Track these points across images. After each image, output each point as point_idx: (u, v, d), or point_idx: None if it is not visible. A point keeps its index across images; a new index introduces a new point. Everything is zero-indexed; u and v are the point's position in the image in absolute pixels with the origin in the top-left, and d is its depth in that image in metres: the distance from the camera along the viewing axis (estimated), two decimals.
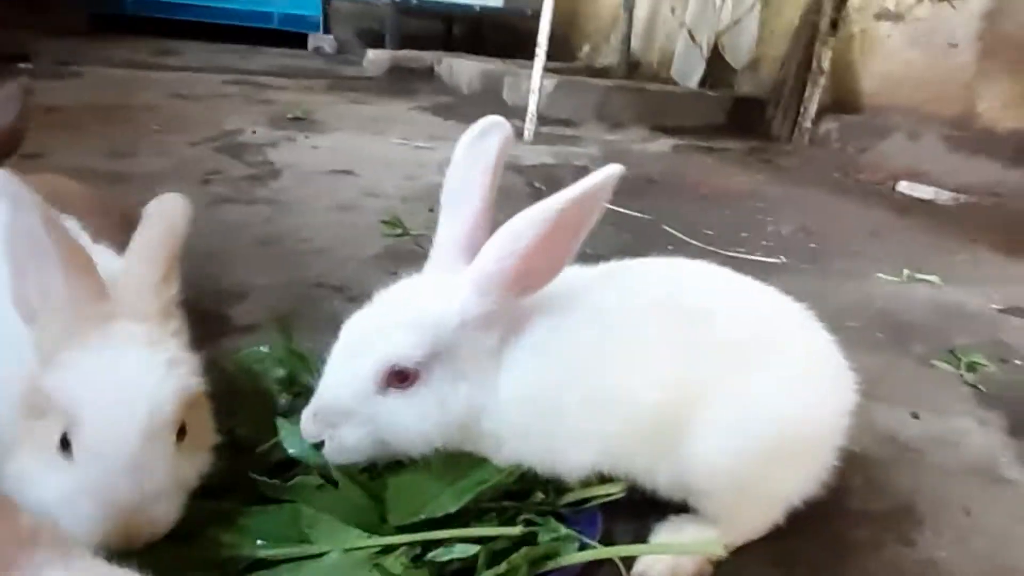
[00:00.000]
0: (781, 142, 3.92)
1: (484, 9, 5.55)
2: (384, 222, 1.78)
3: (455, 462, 0.77)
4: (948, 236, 2.44)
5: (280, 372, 0.94)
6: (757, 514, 0.81)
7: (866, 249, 2.20)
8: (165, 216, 0.73)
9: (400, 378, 0.71)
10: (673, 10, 4.87)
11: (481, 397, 0.73)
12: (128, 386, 0.61)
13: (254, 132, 2.71)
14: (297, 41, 5.96)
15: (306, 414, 0.73)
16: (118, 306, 0.66)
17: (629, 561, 0.76)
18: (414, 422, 0.72)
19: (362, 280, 1.46)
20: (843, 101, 4.04)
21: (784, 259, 1.97)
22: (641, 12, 5.02)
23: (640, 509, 0.82)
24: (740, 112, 4.24)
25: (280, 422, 0.79)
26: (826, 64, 3.72)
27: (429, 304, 0.74)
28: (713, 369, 0.74)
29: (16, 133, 1.10)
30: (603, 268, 0.85)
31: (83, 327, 0.62)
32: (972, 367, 1.35)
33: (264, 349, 0.97)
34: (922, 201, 3.05)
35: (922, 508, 0.93)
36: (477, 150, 0.79)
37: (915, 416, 1.15)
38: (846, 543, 0.86)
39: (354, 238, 1.70)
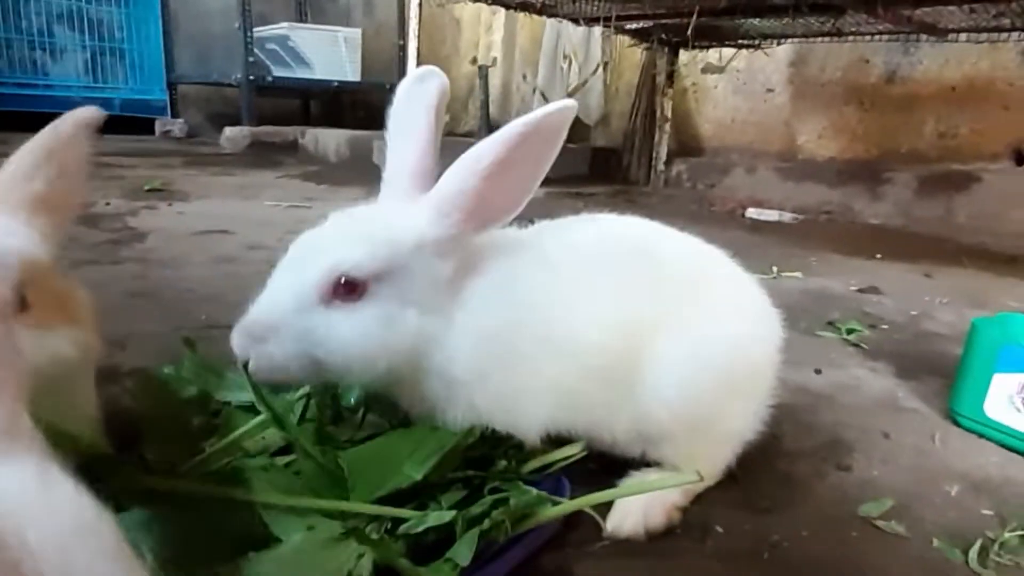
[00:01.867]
0: (640, 185, 4.23)
1: (342, 84, 5.62)
2: (272, 266, 1.68)
3: (408, 434, 0.72)
4: (798, 246, 2.71)
5: (191, 390, 0.84)
6: (715, 452, 0.82)
7: (732, 259, 2.38)
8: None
9: (348, 289, 0.67)
10: (525, 76, 5.23)
11: (432, 328, 0.70)
12: None
13: (107, 204, 2.50)
14: (143, 127, 5.68)
15: (236, 329, 0.68)
16: None
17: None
18: (356, 339, 0.67)
19: None
20: (687, 145, 4.48)
21: None
22: (495, 80, 5.32)
23: (600, 475, 0.80)
24: (599, 162, 4.55)
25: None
26: (668, 113, 4.11)
27: (387, 221, 0.71)
28: (661, 304, 0.76)
29: None
30: (550, 222, 0.86)
31: None
32: (851, 331, 1.49)
33: (168, 371, 0.86)
34: (769, 222, 3.39)
35: (848, 439, 0.99)
36: (417, 92, 0.78)
37: (818, 372, 1.24)
38: (793, 478, 0.89)
39: (242, 285, 1.55)
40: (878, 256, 2.56)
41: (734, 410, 0.82)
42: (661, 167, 4.18)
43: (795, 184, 3.91)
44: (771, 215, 3.51)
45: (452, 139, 4.34)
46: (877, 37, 3.27)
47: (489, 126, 5.32)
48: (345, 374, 0.70)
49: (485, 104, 5.28)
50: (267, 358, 0.67)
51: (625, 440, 0.79)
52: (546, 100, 4.88)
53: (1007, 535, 0.79)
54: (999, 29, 2.78)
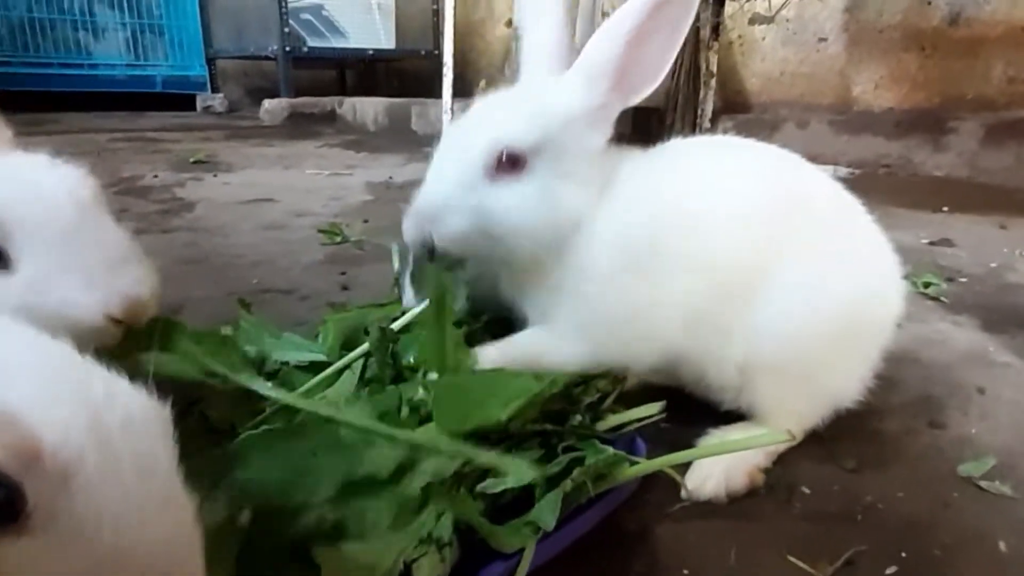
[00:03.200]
0: None
1: (377, 52, 5.55)
2: (321, 231, 1.66)
3: (492, 376, 0.68)
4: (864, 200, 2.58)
5: (250, 351, 0.82)
6: (809, 407, 0.77)
7: None
8: None
9: (511, 163, 0.69)
10: None
11: (583, 205, 0.71)
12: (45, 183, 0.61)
13: (156, 176, 2.52)
14: (184, 103, 5.73)
15: (408, 216, 0.71)
16: None
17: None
18: (525, 212, 0.69)
19: (310, 283, 1.34)
20: (733, 102, 4.30)
21: None
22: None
23: (675, 434, 0.76)
24: (642, 121, 4.40)
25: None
26: (714, 68, 3.94)
27: (537, 96, 0.72)
28: (795, 235, 0.72)
29: None
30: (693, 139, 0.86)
31: None
32: (928, 284, 1.39)
33: (227, 331, 0.85)
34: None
35: (940, 394, 0.93)
36: None
37: (899, 326, 1.16)
38: (883, 435, 0.84)
39: (291, 251, 1.57)
40: (945, 209, 2.43)
41: (840, 366, 0.77)
42: (707, 125, 4.03)
43: (851, 137, 3.72)
44: (826, 171, 3.34)
45: None
46: None
47: None
48: (516, 246, 0.71)
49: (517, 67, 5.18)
50: (445, 235, 0.69)
51: (726, 379, 0.75)
52: None
53: None
54: None
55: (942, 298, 1.33)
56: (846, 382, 0.77)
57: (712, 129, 4.17)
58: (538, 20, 0.78)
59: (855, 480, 0.75)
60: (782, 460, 0.77)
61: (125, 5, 5.65)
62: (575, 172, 0.70)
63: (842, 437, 0.81)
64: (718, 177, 0.75)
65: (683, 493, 0.71)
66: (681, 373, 0.77)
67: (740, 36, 4.24)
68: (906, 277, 1.43)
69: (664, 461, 0.67)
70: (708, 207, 0.72)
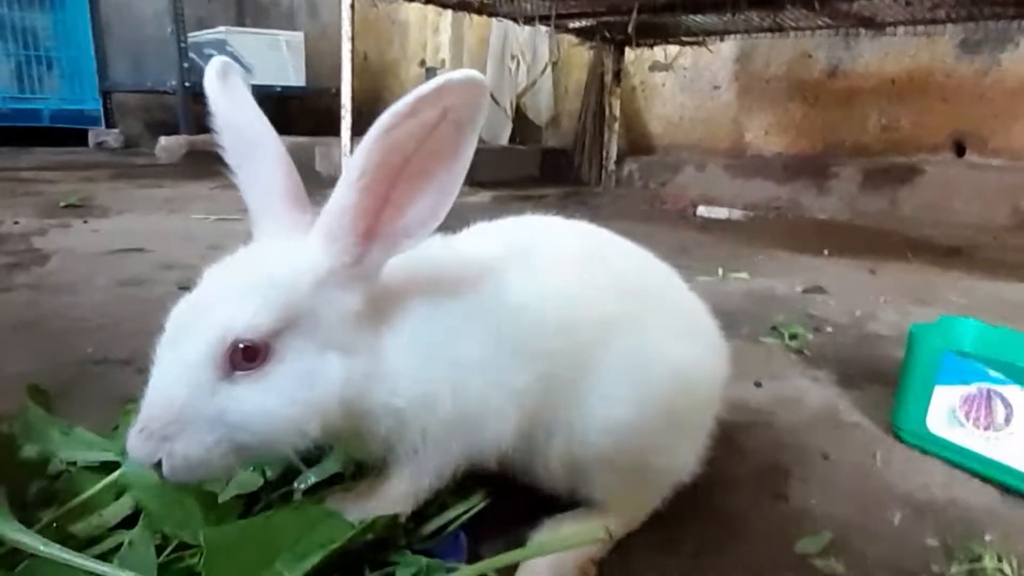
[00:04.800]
0: (591, 185, 4.17)
1: (286, 89, 5.43)
2: (183, 287, 1.55)
3: (298, 515, 0.61)
4: (746, 244, 2.67)
5: (31, 450, 0.72)
6: (646, 492, 0.74)
7: (681, 261, 2.30)
8: None
9: (248, 355, 0.56)
10: None
11: (363, 367, 0.60)
12: None
13: (16, 223, 2.32)
14: (76, 138, 5.40)
15: (132, 433, 0.55)
16: None
17: None
18: (277, 408, 0.56)
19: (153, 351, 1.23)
20: (638, 144, 4.44)
21: None
22: None
23: (509, 521, 0.71)
24: (550, 163, 4.47)
25: None
26: (616, 112, 4.06)
27: (273, 265, 0.60)
28: (614, 315, 0.69)
29: None
30: (486, 224, 0.79)
31: None
32: (794, 337, 1.43)
33: (6, 426, 0.74)
34: (718, 220, 3.35)
35: (785, 462, 0.92)
36: (231, 96, 0.65)
37: (758, 385, 1.17)
38: (726, 514, 0.81)
39: (142, 312, 1.45)
40: (825, 252, 2.53)
41: (672, 446, 0.74)
42: (612, 167, 4.13)
43: (744, 181, 3.90)
44: (721, 213, 3.48)
45: None
46: (818, 32, 3.26)
47: None
48: (274, 449, 0.58)
49: None
50: (181, 458, 0.55)
51: (559, 471, 0.70)
52: (496, 102, 4.79)
53: (952, 570, 0.72)
54: (935, 21, 2.79)
55: (805, 351, 1.36)
56: (681, 460, 0.75)
57: (618, 169, 4.28)
58: (253, 158, 0.65)
59: (693, 566, 0.73)
60: (620, 548, 0.73)
61: (10, 35, 5.30)
62: (337, 341, 0.59)
63: (685, 517, 0.78)
64: (523, 266, 0.69)
65: None
66: (510, 468, 0.72)
67: (643, 82, 4.39)
68: (775, 328, 1.49)
69: (482, 567, 0.62)
70: (516, 299, 0.67)
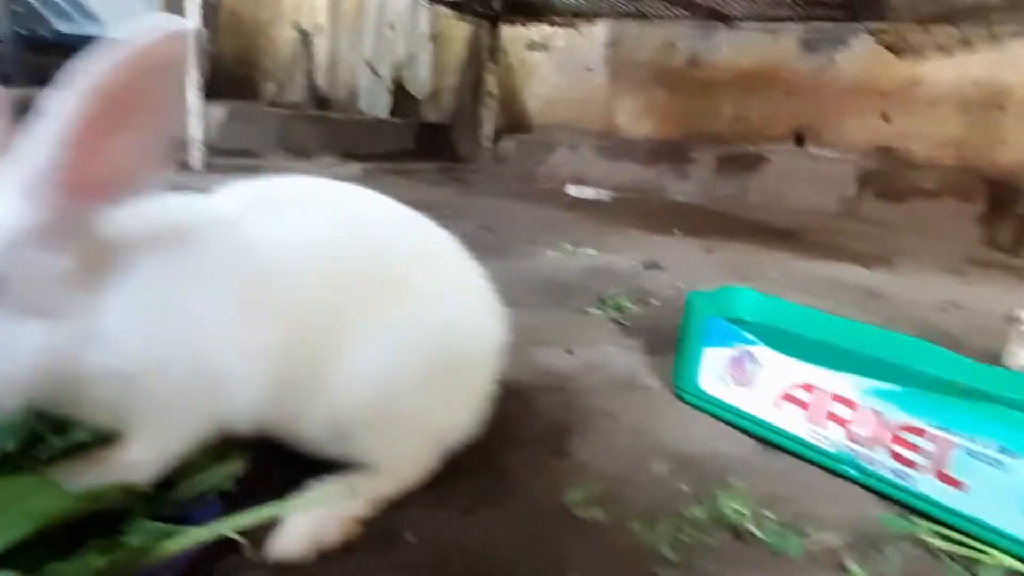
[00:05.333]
0: (468, 161, 4.18)
1: None
2: None
3: (4, 486, 0.57)
4: (606, 223, 2.79)
5: None
6: (413, 452, 0.76)
7: (541, 237, 2.39)
8: None
9: None
10: (352, 45, 4.96)
11: (72, 331, 0.56)
12: None
13: None
14: None
15: None
16: None
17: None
18: None
19: None
20: (516, 122, 4.48)
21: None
22: (322, 47, 5.01)
23: (277, 487, 0.71)
24: (428, 137, 4.43)
25: None
26: (493, 89, 4.08)
27: None
28: (368, 280, 0.69)
29: None
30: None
31: None
32: (618, 308, 1.51)
33: None
34: (587, 200, 3.47)
35: (574, 422, 0.98)
36: None
37: (569, 352, 1.23)
38: (505, 469, 0.86)
39: None
40: (675, 232, 2.69)
41: (438, 407, 0.76)
42: (488, 143, 4.16)
43: (614, 162, 4.05)
44: (590, 193, 3.60)
45: (276, 110, 4.02)
46: (680, 23, 3.43)
47: (316, 96, 5.02)
48: None
49: (309, 74, 4.97)
50: None
51: (321, 434, 0.70)
52: (374, 72, 4.68)
53: (695, 512, 0.80)
54: (777, 19, 3.01)
55: (624, 322, 1.45)
56: (450, 420, 0.78)
57: (496, 147, 4.31)
58: None
59: (463, 520, 0.76)
60: (390, 506, 0.75)
61: None
62: (37, 306, 0.55)
63: (461, 474, 0.82)
64: (263, 222, 0.68)
65: (257, 553, 0.66)
66: (272, 432, 0.72)
67: (520, 60, 4.43)
68: (603, 300, 1.58)
69: (223, 527, 0.61)
70: (273, 257, 0.65)
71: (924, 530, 0.79)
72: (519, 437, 0.92)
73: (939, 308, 1.83)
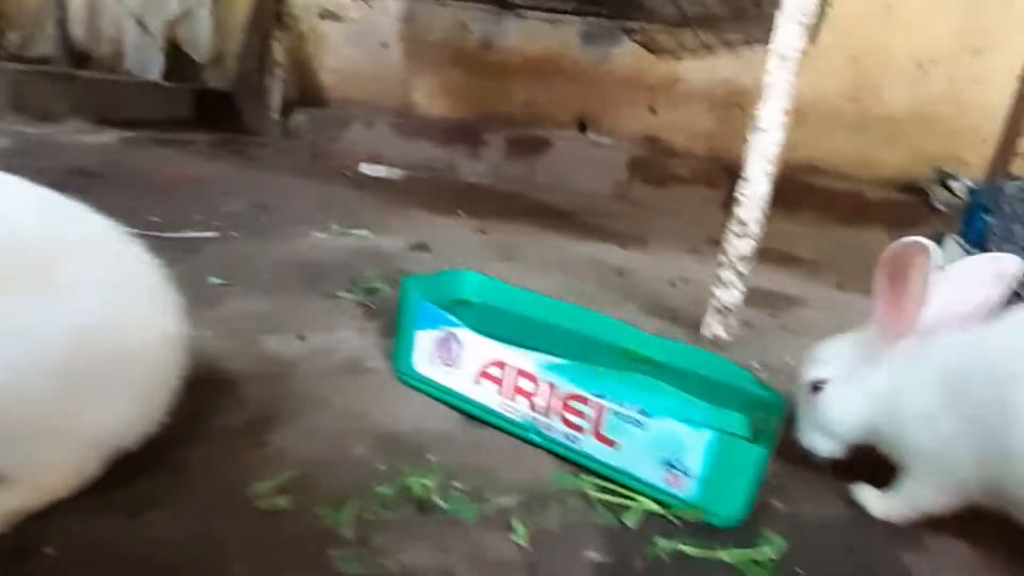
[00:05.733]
0: (255, 134, 3.92)
1: None
2: None
3: None
4: (391, 203, 2.77)
5: None
6: (59, 456, 0.70)
7: (314, 217, 2.31)
8: None
9: None
10: None
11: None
12: None
13: None
14: None
15: None
16: None
17: None
18: None
19: None
20: (310, 95, 4.28)
21: (222, 233, 1.91)
22: None
23: None
24: (209, 106, 4.08)
25: None
26: (280, 57, 3.85)
27: None
28: None
29: None
30: None
31: None
32: (370, 291, 1.51)
33: None
34: (377, 179, 3.42)
35: (281, 411, 0.96)
36: None
37: (301, 337, 1.21)
38: (186, 467, 0.82)
39: None
40: (459, 213, 2.75)
41: (86, 408, 0.70)
42: (276, 116, 3.93)
43: (410, 141, 4.03)
44: (382, 171, 3.55)
45: (12, 65, 3.44)
46: (471, 7, 3.48)
47: (71, 51, 4.37)
48: None
49: (62, 24, 4.32)
50: None
51: None
52: (143, 27, 4.19)
53: (384, 490, 0.83)
54: (556, 11, 3.17)
55: (371, 304, 1.45)
56: (109, 420, 0.72)
57: (287, 120, 4.09)
58: None
59: (126, 528, 0.71)
60: (39, 519, 0.69)
61: None
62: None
63: (131, 477, 0.77)
64: None
65: None
66: None
67: (312, 29, 4.22)
68: (357, 284, 1.57)
69: None
70: None
71: (588, 485, 0.89)
72: (215, 430, 0.89)
73: (669, 283, 2.07)
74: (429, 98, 4.11)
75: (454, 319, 0.98)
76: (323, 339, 1.23)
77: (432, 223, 2.47)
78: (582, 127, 3.85)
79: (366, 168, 3.56)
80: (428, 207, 2.75)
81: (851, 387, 0.93)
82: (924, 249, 0.82)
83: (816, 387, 0.96)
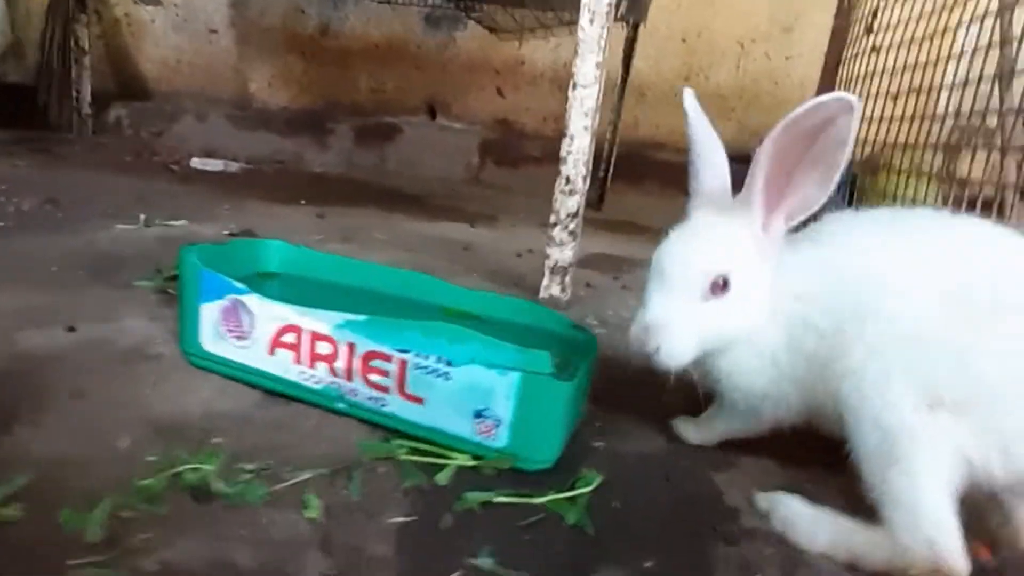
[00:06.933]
0: (62, 131, 3.49)
1: None
2: None
3: None
4: (224, 195, 2.54)
5: None
6: None
7: (122, 211, 2.06)
8: None
9: None
10: None
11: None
12: None
13: None
14: None
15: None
16: None
17: None
18: None
19: None
20: (129, 88, 3.87)
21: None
22: None
23: None
24: (7, 101, 3.58)
25: None
26: (85, 44, 3.45)
27: None
28: None
29: None
30: None
31: None
32: (173, 278, 1.34)
33: None
34: (212, 172, 3.15)
35: (26, 409, 0.81)
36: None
37: (71, 329, 1.04)
38: None
39: None
40: (302, 202, 2.58)
41: None
42: (87, 110, 3.51)
43: (250, 133, 3.77)
44: (217, 165, 3.28)
45: None
46: None
47: None
48: None
49: None
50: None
51: None
52: None
53: (150, 483, 0.71)
54: None
55: (172, 291, 1.29)
56: None
57: (102, 115, 3.68)
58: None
59: None
60: None
61: None
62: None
63: None
64: None
65: None
66: None
67: (127, 15, 3.82)
68: (159, 272, 1.40)
69: None
70: None
71: (399, 449, 0.82)
72: None
73: (516, 255, 2.04)
74: (268, 88, 3.86)
75: (240, 285, 0.87)
76: (100, 329, 1.06)
77: (267, 212, 2.29)
78: (432, 113, 3.77)
79: (198, 163, 3.27)
80: (266, 198, 2.56)
81: (758, 290, 0.78)
82: (850, 105, 0.68)
83: (717, 287, 0.77)
